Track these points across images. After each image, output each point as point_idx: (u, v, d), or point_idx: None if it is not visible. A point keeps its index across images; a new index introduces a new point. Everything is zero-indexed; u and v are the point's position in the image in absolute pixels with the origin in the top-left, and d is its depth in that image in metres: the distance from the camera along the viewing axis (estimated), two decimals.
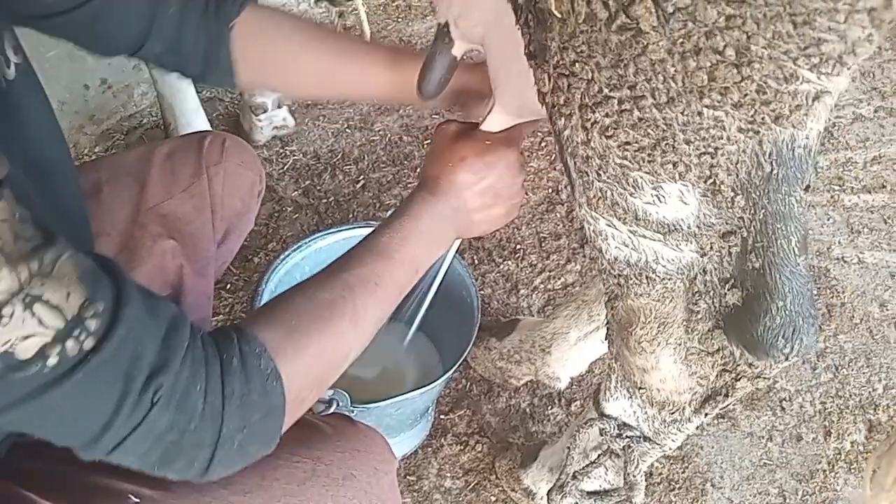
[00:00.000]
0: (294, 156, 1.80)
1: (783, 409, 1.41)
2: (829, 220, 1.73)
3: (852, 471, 1.33)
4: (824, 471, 1.33)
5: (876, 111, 1.95)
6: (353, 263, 0.74)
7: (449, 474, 1.30)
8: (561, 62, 0.60)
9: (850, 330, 1.53)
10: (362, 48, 0.91)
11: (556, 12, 0.56)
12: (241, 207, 1.10)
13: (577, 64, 0.59)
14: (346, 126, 1.85)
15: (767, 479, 1.32)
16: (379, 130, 1.84)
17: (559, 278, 1.59)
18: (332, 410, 1.05)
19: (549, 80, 0.62)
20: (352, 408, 1.04)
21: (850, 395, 1.44)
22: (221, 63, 0.84)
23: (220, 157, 1.04)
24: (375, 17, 2.15)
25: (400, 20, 2.14)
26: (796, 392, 1.44)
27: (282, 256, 1.22)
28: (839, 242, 1.68)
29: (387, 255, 0.75)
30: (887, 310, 1.56)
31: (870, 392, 1.44)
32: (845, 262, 1.65)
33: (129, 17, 0.80)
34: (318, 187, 1.74)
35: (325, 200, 1.71)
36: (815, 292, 0.71)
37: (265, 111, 1.72)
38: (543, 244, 1.65)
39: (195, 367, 0.57)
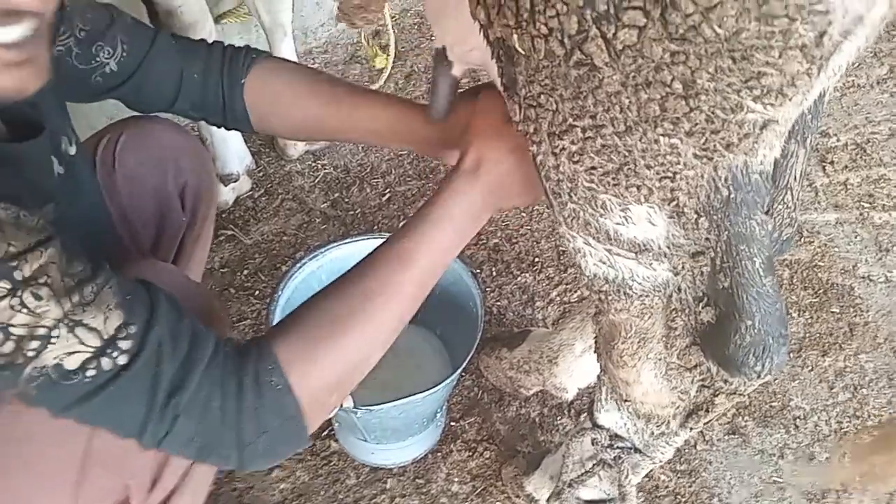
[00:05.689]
0: (325, 169, 1.88)
1: (797, 427, 1.40)
2: (856, 237, 1.71)
3: (866, 492, 1.32)
4: (837, 491, 1.32)
5: None
6: (372, 272, 0.76)
7: (457, 479, 1.34)
8: (529, 94, 0.64)
9: (873, 350, 1.51)
10: (354, 96, 0.97)
11: (520, 49, 0.60)
12: (152, 215, 1.07)
13: (542, 95, 0.63)
14: None
15: (776, 497, 1.32)
16: None
17: (575, 291, 1.61)
18: (335, 411, 1.11)
19: (521, 110, 0.66)
20: (355, 409, 1.10)
21: (869, 416, 1.42)
22: (238, 113, 0.98)
23: (113, 163, 1.03)
24: (409, 35, 2.22)
25: (432, 38, 2.20)
26: (811, 410, 1.43)
27: (298, 264, 1.27)
28: (866, 261, 1.66)
29: (408, 262, 0.76)
30: None
31: (890, 413, 1.42)
32: (871, 280, 1.63)
33: (161, 84, 0.96)
34: (347, 199, 1.81)
35: (352, 212, 1.78)
36: (785, 312, 0.73)
37: None
38: (562, 257, 1.67)
39: (212, 385, 0.67)
